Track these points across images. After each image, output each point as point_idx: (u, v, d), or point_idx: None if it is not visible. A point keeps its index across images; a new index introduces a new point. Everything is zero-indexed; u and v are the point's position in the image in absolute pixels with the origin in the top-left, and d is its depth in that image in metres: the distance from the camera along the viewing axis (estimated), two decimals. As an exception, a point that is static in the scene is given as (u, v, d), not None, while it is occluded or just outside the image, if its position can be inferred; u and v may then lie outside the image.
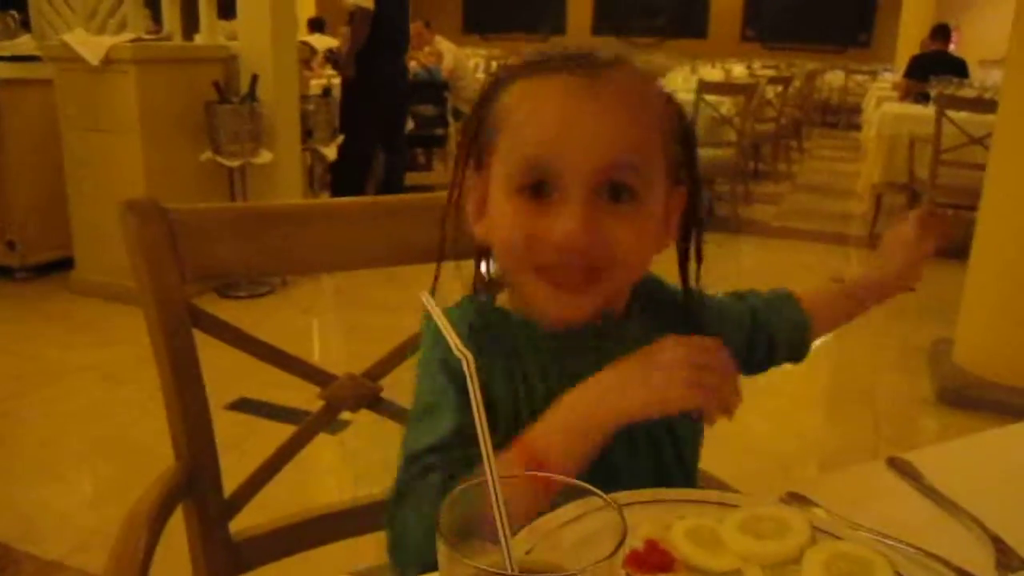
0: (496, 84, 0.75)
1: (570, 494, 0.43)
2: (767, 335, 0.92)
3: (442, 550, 0.37)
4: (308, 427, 1.04)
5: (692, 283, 0.82)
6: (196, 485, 0.94)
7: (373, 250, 1.06)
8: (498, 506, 0.39)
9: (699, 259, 0.82)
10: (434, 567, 0.39)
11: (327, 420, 1.06)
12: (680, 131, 0.76)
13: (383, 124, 5.08)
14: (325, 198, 5.10)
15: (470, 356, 0.44)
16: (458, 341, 0.45)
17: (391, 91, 5.04)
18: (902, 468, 0.78)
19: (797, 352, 0.95)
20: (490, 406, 0.66)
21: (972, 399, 2.96)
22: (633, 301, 0.80)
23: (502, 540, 0.38)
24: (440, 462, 0.69)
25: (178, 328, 0.92)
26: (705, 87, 5.58)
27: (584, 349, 0.75)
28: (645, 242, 0.72)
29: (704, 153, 5.39)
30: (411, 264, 1.03)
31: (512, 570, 0.38)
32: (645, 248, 0.73)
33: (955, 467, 0.79)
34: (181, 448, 0.94)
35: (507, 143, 0.71)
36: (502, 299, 0.81)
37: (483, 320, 0.77)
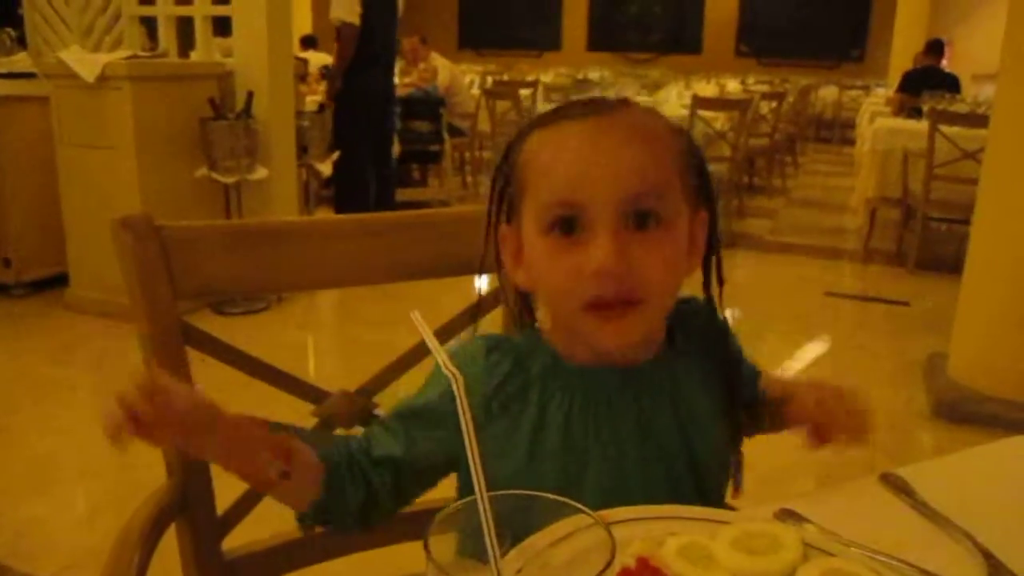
0: (516, 140, 0.81)
1: (559, 512, 0.43)
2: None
3: (431, 571, 0.37)
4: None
5: (719, 304, 0.86)
6: (189, 503, 0.94)
7: (368, 267, 1.06)
8: (488, 526, 0.39)
9: (720, 281, 0.85)
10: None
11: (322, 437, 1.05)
12: (693, 159, 0.80)
13: (371, 139, 5.10)
14: (321, 214, 5.11)
15: (459, 376, 0.44)
16: (446, 358, 0.45)
17: (378, 106, 5.05)
18: (894, 484, 0.78)
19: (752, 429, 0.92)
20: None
21: (967, 413, 2.96)
22: (669, 338, 0.84)
23: (492, 560, 0.38)
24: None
25: (171, 345, 0.92)
26: (699, 103, 5.62)
27: (606, 380, 0.80)
28: (674, 265, 0.76)
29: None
30: (406, 280, 1.03)
31: (502, 589, 0.38)
32: (675, 271, 0.77)
33: (947, 482, 0.79)
34: (173, 466, 0.94)
35: (534, 190, 0.76)
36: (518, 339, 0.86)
37: (495, 356, 0.82)
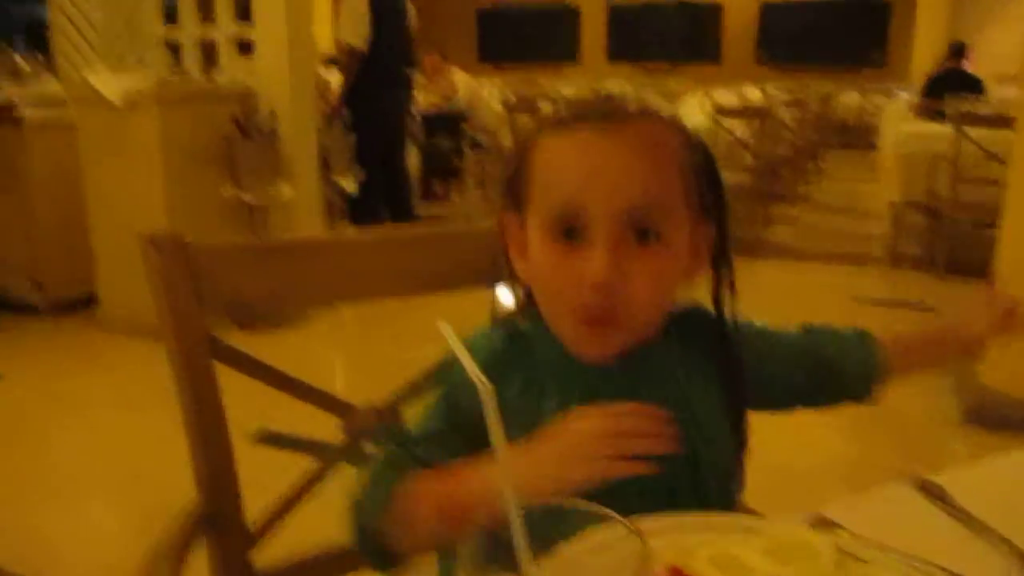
0: (526, 141, 0.81)
1: (592, 519, 0.43)
2: (832, 372, 0.93)
3: (462, 579, 0.37)
4: (330, 460, 1.05)
5: (728, 312, 0.85)
6: (218, 517, 0.94)
7: (390, 281, 1.07)
8: (520, 537, 0.39)
9: (732, 290, 0.85)
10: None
11: (349, 452, 1.06)
12: (706, 171, 0.80)
13: (386, 159, 5.13)
14: (345, 230, 5.13)
15: (489, 386, 0.44)
16: (477, 370, 0.45)
17: (392, 126, 5.07)
18: (931, 490, 0.77)
19: (862, 393, 0.96)
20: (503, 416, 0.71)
21: (999, 418, 2.91)
22: (668, 331, 0.83)
23: (524, 570, 0.38)
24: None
25: (199, 360, 0.93)
26: (721, 111, 5.61)
27: (606, 377, 0.80)
28: (667, 282, 0.77)
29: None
30: (428, 293, 1.04)
31: (535, 599, 0.38)
32: (665, 289, 0.78)
33: (984, 488, 0.78)
34: (204, 480, 0.95)
35: (539, 193, 0.77)
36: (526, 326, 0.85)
37: (508, 345, 0.83)
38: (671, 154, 0.77)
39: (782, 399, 0.93)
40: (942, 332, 1.00)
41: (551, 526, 0.44)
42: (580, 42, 16.48)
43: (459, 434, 0.78)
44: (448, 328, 0.47)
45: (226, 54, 4.26)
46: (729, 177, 5.46)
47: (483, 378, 0.44)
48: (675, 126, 0.80)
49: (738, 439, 0.86)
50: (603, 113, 0.76)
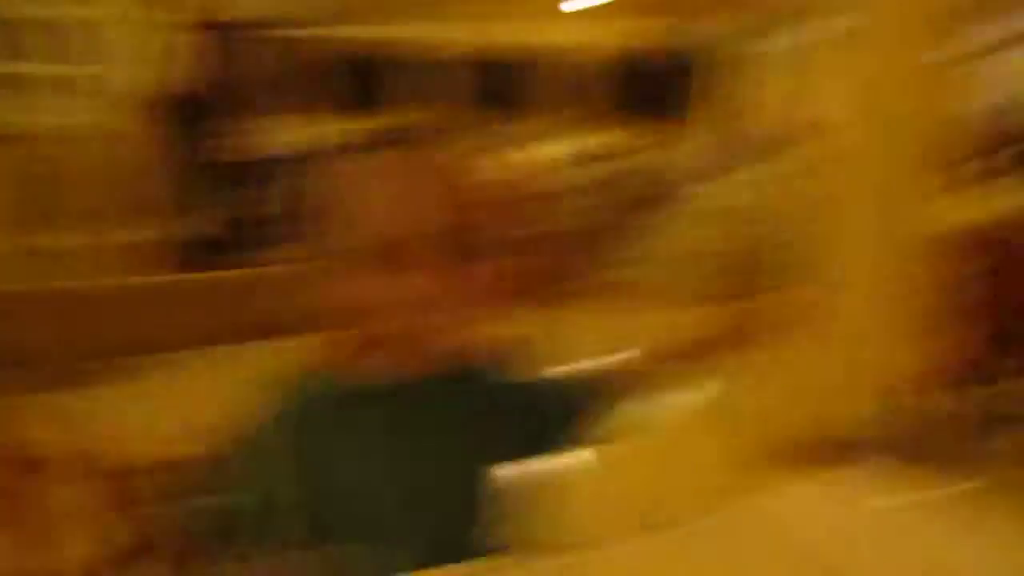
0: (316, 167, 0.79)
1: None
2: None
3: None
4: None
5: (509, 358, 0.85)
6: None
7: (211, 328, 1.02)
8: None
9: (522, 328, 0.84)
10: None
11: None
12: (490, 202, 0.78)
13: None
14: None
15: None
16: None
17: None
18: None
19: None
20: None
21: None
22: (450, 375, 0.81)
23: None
24: None
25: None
26: (577, 156, 5.70)
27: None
28: (466, 303, 0.76)
29: (576, 219, 5.45)
30: (235, 343, 1.00)
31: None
32: (465, 308, 0.76)
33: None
34: None
35: (346, 218, 0.75)
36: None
37: (315, 396, 0.80)
38: (465, 179, 0.77)
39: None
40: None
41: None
42: (436, 91, 16.55)
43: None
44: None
45: (67, 92, 4.03)
46: (584, 220, 5.56)
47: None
48: (465, 154, 0.80)
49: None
50: (393, 137, 0.77)
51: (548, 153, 7.47)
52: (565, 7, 4.85)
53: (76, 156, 3.82)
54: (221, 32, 4.84)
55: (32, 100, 4.05)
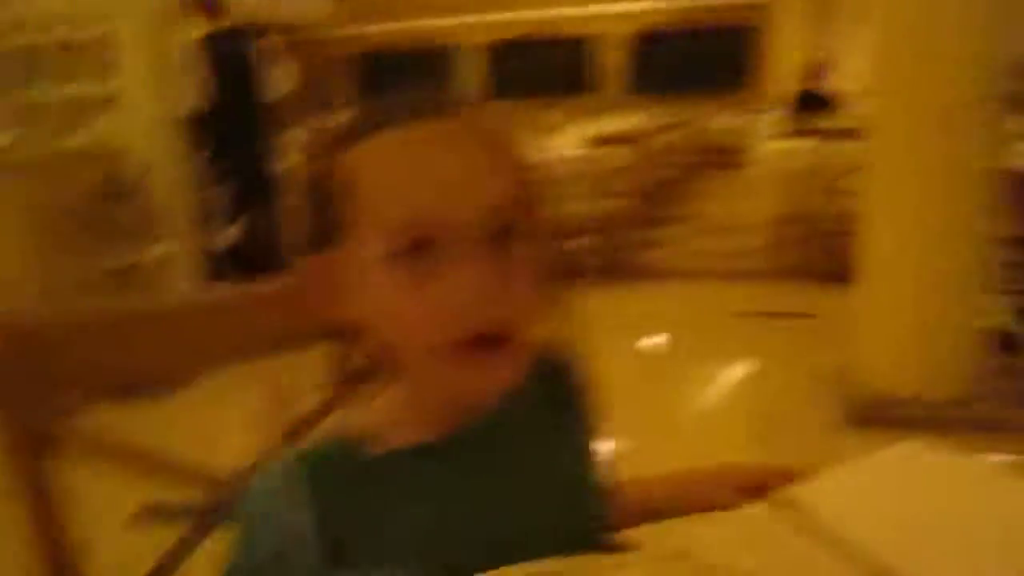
0: (329, 155, 0.66)
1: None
2: None
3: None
4: (194, 535, 0.99)
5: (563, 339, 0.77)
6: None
7: (261, 340, 1.02)
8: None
9: (569, 315, 0.74)
10: None
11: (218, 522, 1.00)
12: (527, 175, 0.69)
13: (250, 209, 5.04)
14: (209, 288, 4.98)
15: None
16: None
17: (248, 179, 4.95)
18: (785, 504, 0.77)
19: None
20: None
21: (880, 418, 3.03)
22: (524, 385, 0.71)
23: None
24: None
25: (33, 455, 0.85)
26: (597, 141, 5.73)
27: (459, 456, 0.69)
28: (537, 287, 0.66)
29: (600, 204, 5.51)
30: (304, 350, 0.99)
31: None
32: (538, 294, 0.66)
33: (842, 497, 0.79)
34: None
35: (371, 212, 0.63)
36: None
37: (334, 467, 0.68)
38: (513, 147, 0.68)
39: None
40: (688, 481, 0.90)
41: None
42: (457, 83, 16.62)
43: None
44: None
45: (87, 112, 4.11)
46: (607, 204, 5.59)
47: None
48: (499, 120, 0.69)
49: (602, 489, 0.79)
50: (420, 108, 0.65)
51: (601, 129, 7.46)
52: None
53: (110, 175, 3.88)
54: (242, 42, 4.88)
55: (65, 122, 4.13)
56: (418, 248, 0.61)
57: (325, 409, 0.99)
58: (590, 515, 0.76)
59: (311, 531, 0.64)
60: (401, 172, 0.62)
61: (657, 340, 4.09)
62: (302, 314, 0.72)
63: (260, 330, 1.00)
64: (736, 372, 3.91)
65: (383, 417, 0.71)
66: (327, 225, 0.67)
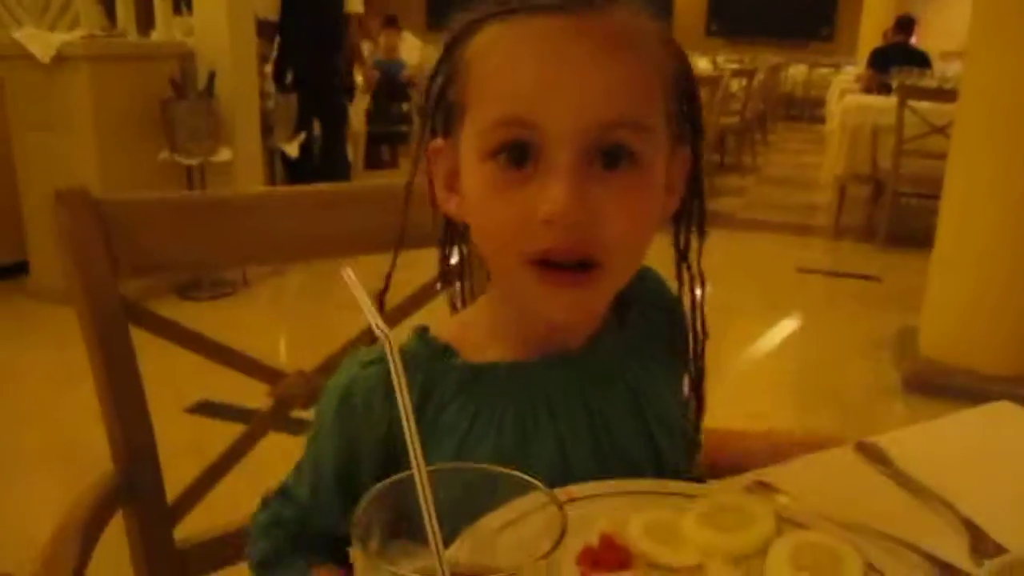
0: (465, 29, 0.62)
1: (510, 490, 0.39)
2: None
3: (357, 556, 0.33)
4: (256, 427, 1.00)
5: (694, 267, 0.71)
6: (135, 491, 0.89)
7: (327, 240, 1.02)
8: (427, 506, 0.35)
9: (701, 232, 0.71)
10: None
11: (277, 419, 1.01)
12: (683, 80, 0.65)
13: (319, 120, 5.02)
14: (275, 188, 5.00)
15: (391, 334, 0.40)
16: (380, 319, 0.40)
17: (316, 90, 4.92)
18: (871, 453, 0.76)
19: None
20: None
21: (939, 386, 2.97)
22: (618, 310, 0.71)
23: (432, 544, 0.35)
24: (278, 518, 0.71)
25: (112, 325, 0.87)
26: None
27: (553, 377, 0.66)
28: (645, 218, 0.61)
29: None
30: (369, 254, 0.99)
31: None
32: (645, 226, 0.62)
33: (924, 450, 0.77)
34: (119, 452, 0.89)
35: (478, 99, 0.60)
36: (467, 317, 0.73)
37: (431, 363, 0.66)
38: (650, 55, 0.60)
39: None
40: (787, 443, 0.85)
41: (470, 498, 0.40)
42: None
43: (348, 495, 0.65)
44: (351, 275, 0.42)
45: (162, 11, 4.10)
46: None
47: (384, 326, 0.39)
48: (654, 16, 0.62)
49: (698, 417, 0.76)
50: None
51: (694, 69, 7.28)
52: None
53: (181, 74, 3.89)
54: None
55: (159, 19, 4.13)
56: (513, 151, 0.58)
57: (408, 307, 1.00)
58: (678, 454, 0.72)
59: (377, 423, 0.64)
60: (515, 64, 0.58)
61: (717, 291, 4.04)
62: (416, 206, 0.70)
63: (359, 226, 0.99)
64: (795, 328, 3.85)
65: (470, 329, 0.69)
66: (446, 109, 0.64)
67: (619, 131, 0.58)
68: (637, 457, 0.68)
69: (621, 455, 0.67)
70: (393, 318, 0.96)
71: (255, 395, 1.02)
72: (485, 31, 0.61)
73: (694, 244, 0.71)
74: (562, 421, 0.65)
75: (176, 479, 0.94)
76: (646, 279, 0.74)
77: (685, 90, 0.65)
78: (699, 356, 0.74)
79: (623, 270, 0.63)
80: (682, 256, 0.71)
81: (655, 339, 0.74)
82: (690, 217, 0.71)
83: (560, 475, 0.63)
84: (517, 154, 0.58)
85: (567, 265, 0.58)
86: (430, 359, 0.66)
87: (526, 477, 0.39)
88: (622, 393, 0.69)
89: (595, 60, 0.57)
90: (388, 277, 0.72)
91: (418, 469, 0.36)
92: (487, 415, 0.64)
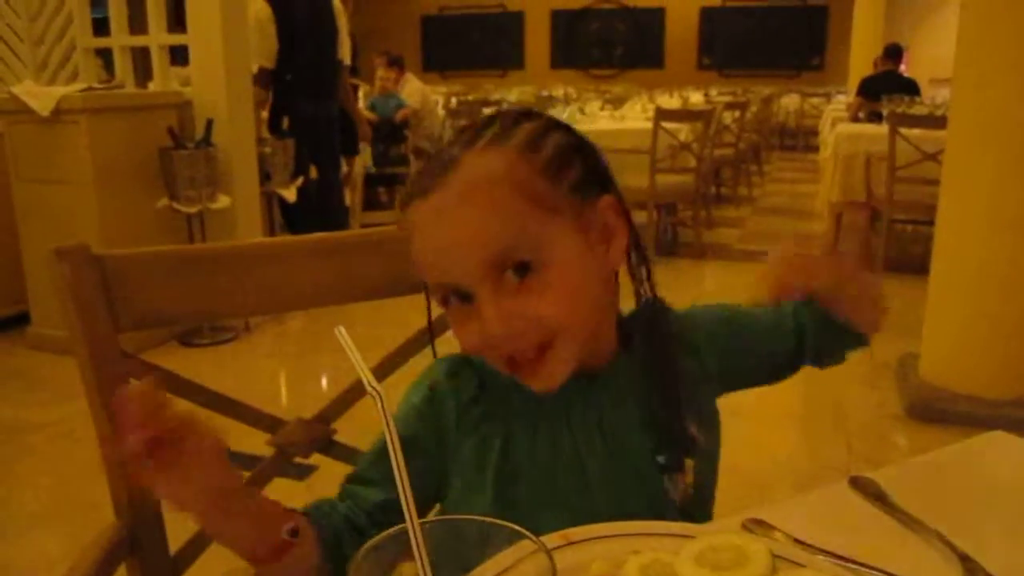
0: (404, 205, 0.77)
1: (504, 538, 0.40)
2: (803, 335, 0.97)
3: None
4: (259, 475, 1.01)
5: (648, 293, 0.83)
6: (139, 543, 0.90)
7: (327, 288, 1.03)
8: (421, 559, 0.36)
9: (642, 256, 0.82)
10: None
11: (280, 466, 1.02)
12: (559, 158, 0.74)
13: (319, 164, 5.06)
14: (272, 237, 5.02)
15: (382, 393, 0.41)
16: (371, 378, 0.42)
17: (312, 136, 4.96)
18: (865, 488, 0.76)
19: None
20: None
21: (941, 412, 2.96)
22: (625, 340, 0.83)
23: (427, 592, 0.35)
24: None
25: (114, 380, 0.88)
26: (663, 115, 5.64)
27: (572, 402, 0.79)
28: (574, 294, 0.73)
29: (664, 179, 5.45)
30: (364, 300, 1.00)
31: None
32: (579, 298, 0.73)
33: (919, 484, 0.77)
34: (122, 505, 0.90)
35: (419, 266, 0.75)
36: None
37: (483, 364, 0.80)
38: (507, 180, 0.71)
39: (763, 374, 0.98)
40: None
41: (463, 549, 0.41)
42: (524, 49, 16.54)
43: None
44: (343, 333, 0.44)
45: (159, 62, 4.16)
46: (672, 180, 5.52)
47: (375, 384, 0.41)
48: (506, 135, 0.74)
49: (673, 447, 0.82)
50: (430, 176, 0.73)
51: (668, 103, 7.33)
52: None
53: (178, 125, 3.93)
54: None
55: (156, 70, 4.18)
56: (456, 295, 0.73)
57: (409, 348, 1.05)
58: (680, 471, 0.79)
59: (445, 396, 0.80)
60: (423, 241, 0.73)
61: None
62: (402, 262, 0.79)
63: (358, 273, 1.02)
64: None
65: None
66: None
67: (510, 254, 0.70)
68: (640, 459, 0.78)
69: (627, 457, 0.78)
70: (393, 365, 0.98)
71: (257, 442, 1.03)
72: (404, 219, 0.76)
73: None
74: (579, 431, 0.78)
75: (179, 530, 0.95)
76: (649, 312, 0.84)
77: (571, 158, 0.75)
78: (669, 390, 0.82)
79: (578, 333, 0.74)
80: (639, 283, 0.83)
81: (659, 356, 0.83)
82: (638, 247, 0.81)
83: (578, 475, 0.77)
84: (460, 296, 0.73)
85: (530, 355, 0.72)
86: (479, 362, 0.79)
87: (516, 528, 0.40)
88: (631, 405, 0.79)
89: (461, 216, 0.70)
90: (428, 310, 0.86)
91: (411, 519, 0.37)
92: (524, 422, 0.79)
